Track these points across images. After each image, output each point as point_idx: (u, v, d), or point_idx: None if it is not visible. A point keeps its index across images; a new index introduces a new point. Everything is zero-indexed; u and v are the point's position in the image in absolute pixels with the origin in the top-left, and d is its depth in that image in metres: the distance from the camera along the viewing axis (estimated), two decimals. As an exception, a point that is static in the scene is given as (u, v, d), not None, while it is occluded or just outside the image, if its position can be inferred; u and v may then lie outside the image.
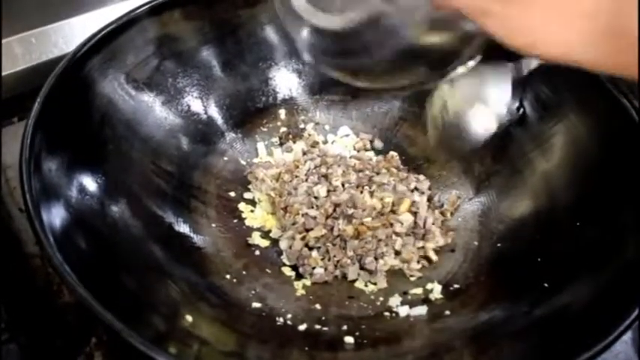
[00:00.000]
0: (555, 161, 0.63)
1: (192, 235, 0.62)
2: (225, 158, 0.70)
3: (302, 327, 0.56)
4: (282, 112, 0.74)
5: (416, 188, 0.68)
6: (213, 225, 0.64)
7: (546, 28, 0.33)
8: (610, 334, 0.45)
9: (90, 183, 0.56)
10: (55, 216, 0.50)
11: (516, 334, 0.51)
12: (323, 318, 0.57)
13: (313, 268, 0.61)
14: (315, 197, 0.65)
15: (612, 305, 0.48)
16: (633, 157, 0.57)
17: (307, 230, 0.62)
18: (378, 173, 0.68)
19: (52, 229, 0.47)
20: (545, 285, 0.54)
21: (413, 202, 0.65)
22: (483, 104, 0.50)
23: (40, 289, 0.57)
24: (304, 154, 0.71)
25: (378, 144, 0.73)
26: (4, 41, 0.69)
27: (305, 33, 0.42)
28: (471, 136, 0.51)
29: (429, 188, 0.68)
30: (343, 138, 0.74)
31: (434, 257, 0.63)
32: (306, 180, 0.67)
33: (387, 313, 0.58)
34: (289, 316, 0.57)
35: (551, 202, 0.61)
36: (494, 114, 0.50)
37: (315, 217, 0.63)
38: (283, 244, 0.63)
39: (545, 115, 0.65)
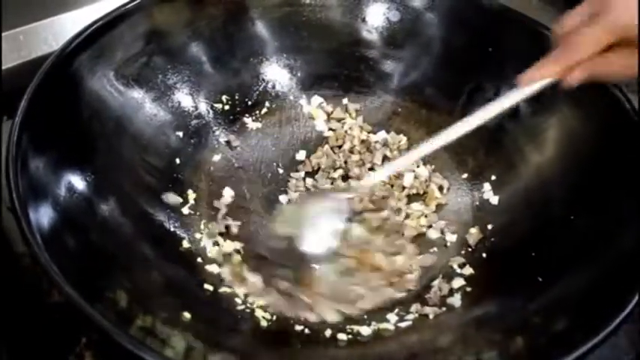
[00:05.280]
0: (549, 154, 0.63)
1: (183, 232, 0.61)
2: (217, 155, 0.69)
3: (297, 326, 0.55)
4: (274, 108, 0.74)
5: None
6: (204, 222, 0.63)
7: None
8: (605, 327, 0.45)
9: (78, 181, 0.55)
10: (43, 215, 0.49)
11: (510, 329, 0.51)
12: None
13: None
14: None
15: (607, 299, 0.48)
16: (627, 150, 0.56)
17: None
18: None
19: (39, 228, 0.47)
20: (540, 279, 0.54)
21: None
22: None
23: (29, 289, 0.56)
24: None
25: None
26: (-9, 39, 0.68)
27: None
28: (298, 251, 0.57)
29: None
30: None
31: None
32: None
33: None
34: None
35: (545, 196, 0.61)
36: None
37: None
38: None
39: (538, 108, 0.65)
